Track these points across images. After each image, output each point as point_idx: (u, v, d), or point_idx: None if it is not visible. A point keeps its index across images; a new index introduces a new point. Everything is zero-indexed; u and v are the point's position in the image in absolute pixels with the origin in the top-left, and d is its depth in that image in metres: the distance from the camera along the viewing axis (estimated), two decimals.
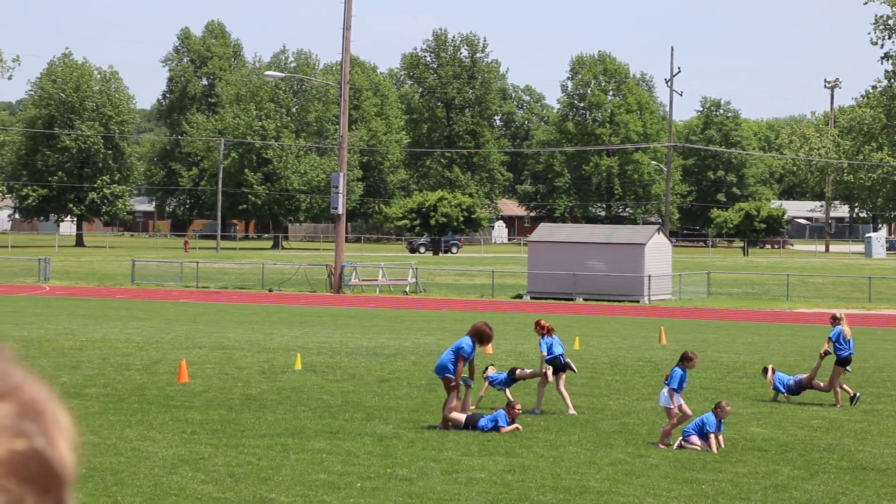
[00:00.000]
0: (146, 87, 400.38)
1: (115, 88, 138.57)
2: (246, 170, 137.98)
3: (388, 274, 71.57)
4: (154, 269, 76.40)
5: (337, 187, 64.34)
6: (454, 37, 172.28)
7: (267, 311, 51.18)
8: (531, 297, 62.76)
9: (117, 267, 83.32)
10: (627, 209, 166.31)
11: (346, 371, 29.15)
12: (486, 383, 24.39)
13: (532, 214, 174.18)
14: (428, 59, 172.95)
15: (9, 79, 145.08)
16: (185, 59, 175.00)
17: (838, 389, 25.21)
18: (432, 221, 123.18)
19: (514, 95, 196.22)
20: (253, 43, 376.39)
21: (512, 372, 24.58)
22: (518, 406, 21.44)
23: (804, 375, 25.97)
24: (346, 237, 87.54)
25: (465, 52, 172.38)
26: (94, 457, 17.91)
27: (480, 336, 21.49)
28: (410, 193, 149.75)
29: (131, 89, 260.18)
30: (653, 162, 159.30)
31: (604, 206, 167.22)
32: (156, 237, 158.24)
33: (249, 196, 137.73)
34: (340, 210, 64.65)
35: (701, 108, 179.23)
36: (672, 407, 20.46)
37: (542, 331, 23.69)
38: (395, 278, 70.83)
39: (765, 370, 26.30)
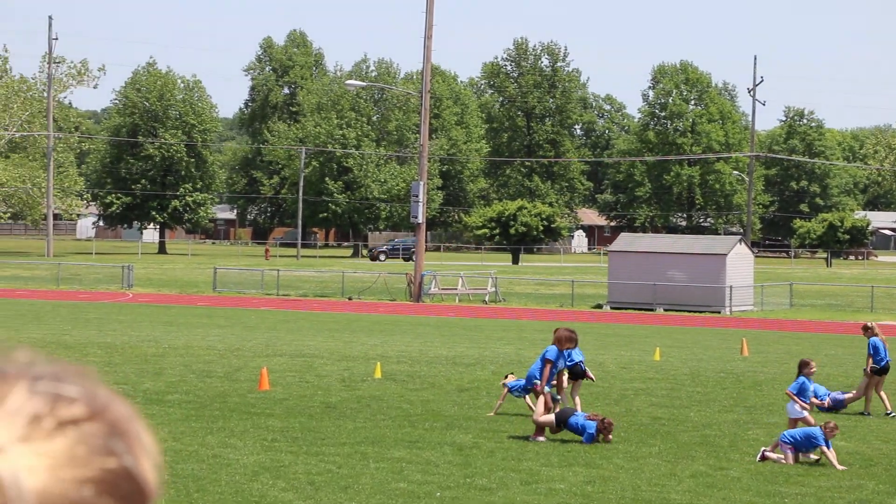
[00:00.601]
0: (229, 96, 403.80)
1: (198, 97, 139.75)
2: (326, 178, 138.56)
3: (468, 283, 71.54)
4: (235, 276, 76.91)
5: (417, 196, 64.44)
6: (535, 46, 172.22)
7: (347, 320, 51.34)
8: (611, 307, 62.49)
9: (199, 274, 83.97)
10: (709, 219, 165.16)
11: (425, 380, 29.16)
12: (506, 391, 24.21)
13: (612, 224, 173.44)
14: (509, 68, 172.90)
15: (94, 88, 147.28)
16: (267, 68, 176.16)
17: (874, 396, 25.14)
18: (512, 231, 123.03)
19: (594, 104, 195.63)
20: (334, 52, 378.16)
21: (529, 380, 24.54)
22: (611, 424, 21.13)
23: (846, 395, 25.72)
24: (426, 246, 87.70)
25: (545, 61, 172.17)
26: (176, 463, 18.03)
27: (562, 341, 21.38)
28: (490, 202, 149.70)
29: (214, 98, 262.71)
30: (735, 172, 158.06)
31: (685, 215, 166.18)
32: (237, 245, 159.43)
33: (330, 204, 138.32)
34: (420, 219, 64.74)
35: (784, 118, 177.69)
36: (805, 414, 20.50)
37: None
38: (475, 287, 70.78)
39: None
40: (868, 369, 25.23)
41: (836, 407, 25.33)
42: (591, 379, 24.48)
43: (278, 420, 22.46)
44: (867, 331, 25.64)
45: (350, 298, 66.46)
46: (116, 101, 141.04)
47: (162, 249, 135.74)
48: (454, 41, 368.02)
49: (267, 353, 34.70)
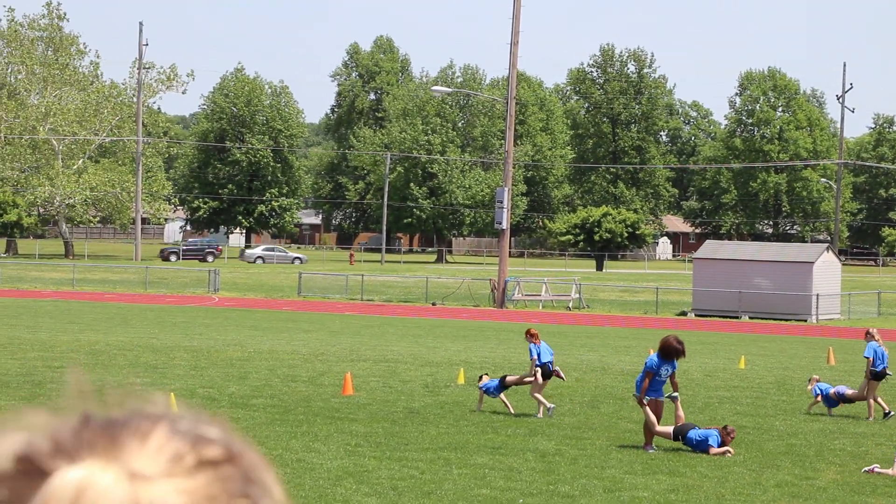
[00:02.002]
0: (315, 102, 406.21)
1: (285, 103, 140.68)
2: (411, 184, 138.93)
3: (552, 289, 71.43)
4: (320, 281, 77.32)
5: (501, 202, 64.46)
6: (621, 52, 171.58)
7: (430, 325, 51.44)
8: (696, 315, 62.12)
9: (284, 279, 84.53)
10: (795, 227, 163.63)
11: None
12: (481, 392, 24.92)
13: (697, 231, 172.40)
14: (594, 74, 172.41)
15: (183, 93, 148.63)
16: (353, 74, 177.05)
17: (872, 402, 25.58)
18: (596, 237, 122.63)
19: (680, 111, 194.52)
20: (421, 58, 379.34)
21: (503, 379, 25.27)
22: (733, 431, 20.99)
23: (849, 389, 26.23)
24: (510, 252, 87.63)
25: (631, 68, 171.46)
26: None
27: (668, 351, 21.08)
28: (575, 209, 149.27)
29: (300, 104, 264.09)
30: (822, 179, 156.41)
31: (771, 223, 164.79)
32: (322, 250, 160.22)
33: (414, 210, 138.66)
34: (504, 225, 64.74)
35: (873, 125, 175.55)
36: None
37: (531, 338, 24.64)
38: (559, 294, 70.66)
39: (810, 380, 26.87)
40: (868, 373, 25.68)
41: (837, 402, 25.91)
42: (562, 378, 25.19)
43: (362, 425, 22.55)
44: (868, 336, 26.16)
45: (434, 304, 66.59)
46: (204, 107, 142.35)
47: None
48: (540, 47, 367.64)
49: (351, 357, 34.85)
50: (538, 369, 24.44)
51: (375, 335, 44.43)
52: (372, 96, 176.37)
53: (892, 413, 25.59)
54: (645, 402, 20.94)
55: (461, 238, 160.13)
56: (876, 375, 25.58)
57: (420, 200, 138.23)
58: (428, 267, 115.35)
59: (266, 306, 61.42)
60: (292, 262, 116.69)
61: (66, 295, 65.55)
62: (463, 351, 38.28)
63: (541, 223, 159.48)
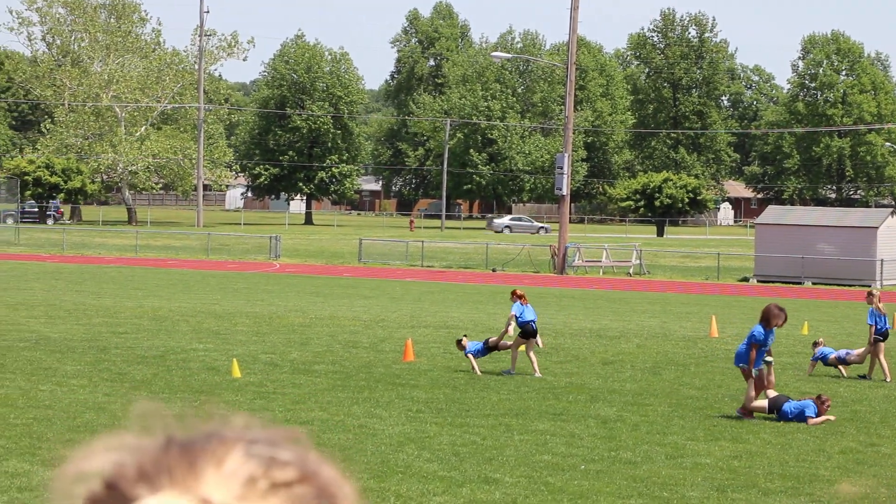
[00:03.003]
0: (375, 68, 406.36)
1: (345, 69, 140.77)
2: (471, 150, 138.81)
3: (612, 255, 71.24)
4: (380, 247, 77.49)
5: (561, 168, 64.26)
6: (682, 16, 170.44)
7: (490, 291, 51.44)
8: (758, 280, 61.76)
9: (345, 245, 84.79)
10: (859, 191, 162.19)
11: (569, 352, 29.12)
12: (471, 357, 25.19)
13: (759, 196, 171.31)
14: (655, 39, 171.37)
15: (244, 60, 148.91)
16: (413, 41, 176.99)
17: (880, 362, 25.83)
18: (657, 203, 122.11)
19: (742, 75, 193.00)
20: (480, 24, 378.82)
21: (486, 342, 25.56)
22: (828, 400, 20.73)
23: (851, 352, 26.59)
24: (570, 218, 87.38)
25: (693, 32, 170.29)
26: (323, 433, 18.26)
27: (769, 318, 20.82)
28: (635, 174, 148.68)
29: (360, 70, 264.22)
30: (887, 143, 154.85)
31: (834, 188, 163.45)
32: (382, 216, 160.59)
33: (474, 176, 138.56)
34: (564, 191, 64.56)
35: None
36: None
37: (518, 299, 25.10)
38: (619, 260, 70.46)
39: (814, 343, 27.04)
40: (871, 338, 25.89)
41: (838, 363, 26.30)
42: (538, 344, 25.77)
43: (423, 391, 22.61)
44: (869, 297, 26.39)
45: (494, 270, 66.58)
46: (265, 74, 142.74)
47: (308, 220, 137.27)
48: (600, 12, 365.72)
49: (412, 324, 34.93)
50: (514, 322, 24.92)
51: (436, 301, 44.49)
52: (431, 62, 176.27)
53: (870, 378, 25.86)
54: (754, 373, 20.59)
55: (521, 204, 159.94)
56: (878, 338, 25.76)
57: (480, 167, 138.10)
58: (488, 233, 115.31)
59: (327, 272, 61.64)
60: (537, 233, 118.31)
61: (129, 261, 66.09)
62: None
63: (601, 189, 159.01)
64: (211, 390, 22.01)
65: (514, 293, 25.64)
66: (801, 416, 20.29)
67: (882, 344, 25.80)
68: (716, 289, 57.80)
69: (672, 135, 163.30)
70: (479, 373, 24.82)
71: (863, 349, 26.43)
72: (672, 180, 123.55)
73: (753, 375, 20.54)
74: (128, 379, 23.09)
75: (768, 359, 21.12)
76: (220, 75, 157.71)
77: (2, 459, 16.01)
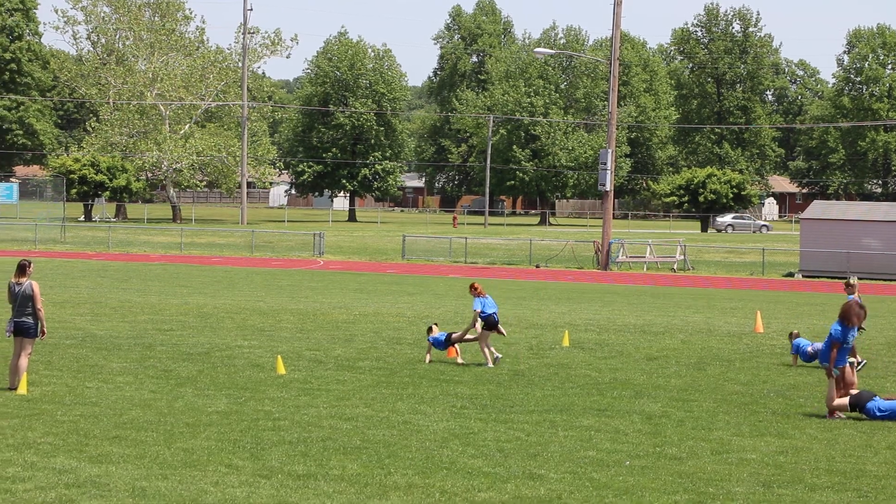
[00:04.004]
0: (418, 65, 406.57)
1: (388, 66, 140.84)
2: (514, 146, 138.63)
3: (656, 251, 71.03)
4: (424, 244, 77.54)
5: (605, 164, 64.11)
6: (726, 11, 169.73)
7: (534, 287, 51.40)
8: (803, 276, 61.44)
9: (388, 242, 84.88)
10: None
11: (613, 348, 29.05)
12: (430, 344, 25.99)
13: (804, 191, 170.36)
14: (699, 33, 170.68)
15: (287, 57, 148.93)
16: (456, 37, 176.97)
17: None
18: (701, 198, 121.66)
19: (787, 70, 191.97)
20: (523, 20, 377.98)
21: (448, 336, 26.12)
22: None
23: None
24: (614, 214, 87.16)
25: (737, 27, 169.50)
26: (368, 429, 18.29)
27: (848, 315, 20.58)
28: (679, 170, 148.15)
29: (403, 67, 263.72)
30: None
31: (880, 182, 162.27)
32: (425, 213, 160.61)
33: (517, 172, 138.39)
34: (608, 186, 64.40)
35: None
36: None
37: (475, 292, 25.63)
38: (663, 255, 70.25)
39: (790, 335, 27.46)
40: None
41: (815, 357, 26.36)
42: (502, 334, 26.13)
43: (467, 387, 22.62)
44: (848, 288, 26.77)
45: (538, 266, 66.51)
46: (308, 71, 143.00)
47: (352, 217, 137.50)
48: (643, 7, 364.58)
49: (456, 320, 34.92)
50: (480, 321, 25.25)
51: None
52: (474, 59, 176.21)
53: (865, 362, 26.28)
54: (835, 374, 20.34)
55: (564, 200, 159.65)
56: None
57: (523, 163, 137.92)
58: (531, 229, 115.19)
59: (370, 269, 61.74)
60: (759, 231, 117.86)
61: (174, 258, 66.41)
62: (567, 313, 38.21)
63: (644, 185, 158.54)
64: (256, 387, 22.09)
65: (472, 287, 25.95)
66: (892, 417, 19.89)
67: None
68: (761, 284, 57.54)
69: (716, 130, 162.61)
70: (428, 361, 25.57)
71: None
72: (716, 175, 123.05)
73: (834, 375, 20.30)
74: (173, 376, 23.20)
75: (851, 359, 20.98)
76: (263, 73, 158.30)
77: (49, 456, 16.13)
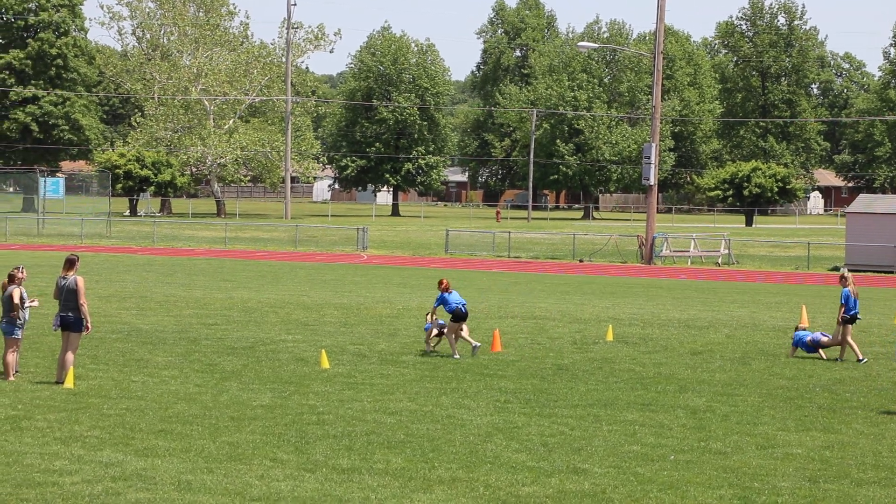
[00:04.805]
0: (461, 59, 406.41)
1: (431, 61, 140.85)
2: (557, 140, 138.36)
3: (700, 245, 70.76)
4: (467, 238, 77.52)
5: (649, 158, 63.90)
6: (771, 4, 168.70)
7: (578, 282, 51.31)
8: (848, 270, 60.99)
9: (431, 236, 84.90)
10: None
11: (657, 343, 28.98)
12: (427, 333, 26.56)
13: (850, 185, 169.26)
14: (743, 27, 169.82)
15: (330, 52, 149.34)
16: (499, 31, 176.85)
17: (849, 345, 26.53)
18: (745, 192, 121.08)
19: (832, 63, 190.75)
20: (566, 14, 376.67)
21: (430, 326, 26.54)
22: None
23: (824, 336, 27.19)
24: (657, 208, 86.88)
25: (781, 20, 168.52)
26: (412, 423, 18.32)
27: None
28: (723, 164, 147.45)
29: (447, 61, 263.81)
30: None
31: None
32: (468, 207, 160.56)
33: (560, 166, 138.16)
34: (652, 181, 64.20)
35: None
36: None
37: (442, 287, 26.03)
38: (707, 249, 69.97)
39: (796, 327, 27.96)
40: (840, 318, 26.57)
41: (814, 348, 26.91)
42: (466, 339, 26.26)
43: (511, 381, 22.61)
44: (842, 281, 26.92)
45: (581, 260, 66.38)
46: (352, 66, 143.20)
47: (395, 212, 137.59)
48: (688, 1, 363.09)
49: (499, 314, 34.92)
50: (451, 314, 25.65)
51: (523, 292, 44.44)
52: (518, 53, 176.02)
53: (865, 360, 26.33)
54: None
55: (608, 194, 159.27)
56: (847, 320, 26.49)
57: (566, 157, 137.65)
58: (575, 223, 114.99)
59: (414, 264, 61.78)
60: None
61: (218, 253, 66.66)
62: (611, 307, 38.13)
63: (689, 179, 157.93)
64: (300, 381, 22.16)
65: (440, 283, 26.33)
66: None
67: (850, 326, 26.60)
68: (806, 278, 57.23)
69: (761, 123, 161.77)
70: (429, 349, 26.26)
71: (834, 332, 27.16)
72: (761, 169, 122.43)
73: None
74: (218, 370, 23.31)
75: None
76: (307, 68, 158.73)
77: (96, 449, 16.24)
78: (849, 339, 26.56)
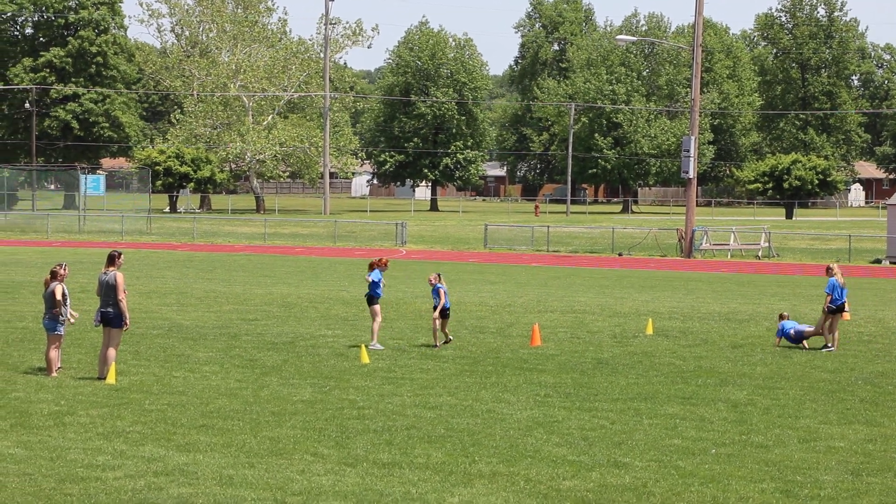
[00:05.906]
0: (499, 54, 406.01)
1: (469, 55, 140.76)
2: (596, 134, 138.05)
3: (740, 238, 70.50)
4: (506, 233, 77.48)
5: (688, 151, 63.70)
6: None
7: (617, 276, 51.21)
8: (890, 262, 60.70)
9: (470, 231, 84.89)
10: None
11: (698, 336, 28.89)
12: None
13: (891, 177, 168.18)
14: (783, 18, 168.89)
15: (368, 48, 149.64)
16: (537, 25, 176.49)
17: (831, 334, 26.76)
18: (785, 185, 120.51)
19: (873, 54, 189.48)
20: (604, 7, 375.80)
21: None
22: None
23: (808, 327, 27.43)
24: (697, 201, 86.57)
25: (821, 11, 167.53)
26: (452, 418, 18.33)
27: None
28: (763, 156, 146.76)
29: (484, 56, 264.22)
30: None
31: None
32: (507, 201, 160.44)
33: (599, 160, 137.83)
34: (691, 174, 64.00)
35: None
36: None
37: (435, 280, 26.69)
38: (747, 243, 69.70)
39: (780, 316, 27.97)
40: (825, 308, 26.72)
41: (798, 339, 27.09)
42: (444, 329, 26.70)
43: (551, 376, 22.60)
44: (829, 271, 27.21)
45: (620, 254, 66.26)
46: (390, 61, 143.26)
47: (434, 206, 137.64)
48: None
49: (538, 308, 34.90)
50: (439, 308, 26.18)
51: (562, 286, 44.40)
52: (556, 47, 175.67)
53: (833, 349, 26.57)
54: None
55: (647, 188, 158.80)
56: (833, 310, 26.68)
57: (605, 151, 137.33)
58: (614, 217, 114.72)
59: (453, 258, 61.81)
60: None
61: (257, 249, 66.88)
62: (651, 301, 38.04)
63: (728, 172, 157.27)
64: (340, 376, 22.21)
65: (430, 280, 27.03)
66: None
67: (838, 316, 26.80)
68: (847, 271, 56.90)
69: (801, 116, 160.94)
70: (437, 345, 26.33)
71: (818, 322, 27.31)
72: (801, 162, 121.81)
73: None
74: (258, 365, 23.38)
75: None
76: (345, 63, 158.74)
77: (138, 444, 16.33)
78: (835, 329, 26.78)
